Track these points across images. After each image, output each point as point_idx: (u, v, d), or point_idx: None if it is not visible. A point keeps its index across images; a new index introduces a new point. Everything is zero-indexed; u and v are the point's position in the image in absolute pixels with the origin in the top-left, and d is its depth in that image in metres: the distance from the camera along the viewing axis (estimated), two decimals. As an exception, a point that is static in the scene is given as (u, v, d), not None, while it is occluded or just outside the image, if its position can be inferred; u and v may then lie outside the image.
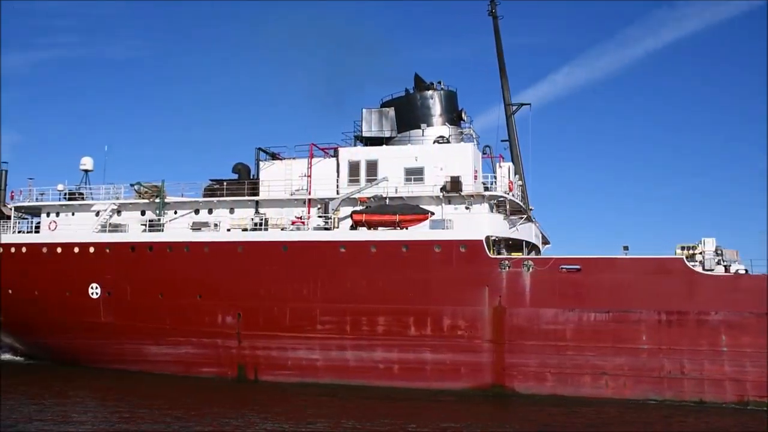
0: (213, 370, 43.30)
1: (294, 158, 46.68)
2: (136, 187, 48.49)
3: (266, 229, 44.24)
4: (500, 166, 44.36)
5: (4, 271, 48.54)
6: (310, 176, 45.34)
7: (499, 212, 42.99)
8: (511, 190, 43.60)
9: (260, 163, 47.03)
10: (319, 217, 43.62)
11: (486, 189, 43.13)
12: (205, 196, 47.69)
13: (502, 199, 42.98)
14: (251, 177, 49.25)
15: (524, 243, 43.60)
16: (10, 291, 48.48)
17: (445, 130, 46.62)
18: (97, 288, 45.94)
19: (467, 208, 42.52)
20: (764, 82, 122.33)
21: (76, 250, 46.70)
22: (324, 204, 43.48)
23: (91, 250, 46.35)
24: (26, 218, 54.84)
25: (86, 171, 53.33)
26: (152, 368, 44.82)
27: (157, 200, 47.16)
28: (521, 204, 44.53)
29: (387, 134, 47.28)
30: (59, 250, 47.13)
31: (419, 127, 46.87)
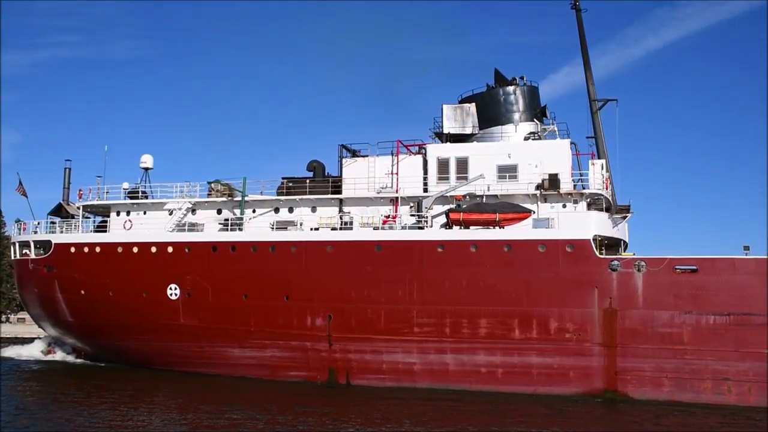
0: (301, 374, 41.04)
1: (377, 155, 44.53)
2: (213, 184, 46.24)
3: (351, 228, 42.14)
4: (593, 163, 42.15)
5: (77, 271, 46.29)
6: (397, 174, 43.13)
7: (592, 210, 40.86)
8: (607, 187, 41.50)
9: (343, 160, 44.75)
10: (411, 215, 41.40)
11: (575, 187, 41.14)
12: (279, 194, 45.58)
13: (598, 197, 40.94)
14: (326, 174, 47.13)
15: (622, 242, 41.48)
16: (82, 291, 46.18)
17: (531, 127, 44.55)
18: (176, 289, 43.64)
19: (564, 206, 40.44)
20: (764, 82, 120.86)
21: (154, 249, 44.38)
22: (417, 202, 41.25)
23: (170, 249, 44.02)
24: (89, 217, 52.65)
25: (146, 169, 51.09)
26: (234, 372, 42.57)
27: (237, 198, 44.96)
28: (611, 201, 42.46)
29: (469, 131, 45.12)
30: (135, 249, 44.80)
31: (502, 123, 44.78)
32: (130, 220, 46.73)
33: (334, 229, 41.81)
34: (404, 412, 33.31)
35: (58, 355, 53.54)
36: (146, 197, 48.57)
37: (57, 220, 52.45)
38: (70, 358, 52.42)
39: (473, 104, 45.62)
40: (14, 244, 51.85)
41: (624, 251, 42.76)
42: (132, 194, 48.90)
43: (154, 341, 44.64)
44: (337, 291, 40.24)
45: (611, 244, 41.12)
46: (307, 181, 44.78)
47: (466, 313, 38.12)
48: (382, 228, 41.05)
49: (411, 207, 41.54)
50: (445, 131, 45.10)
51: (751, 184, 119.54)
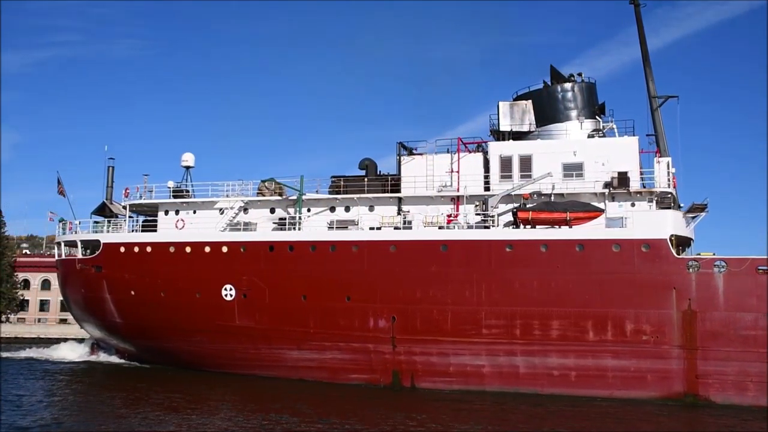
0: (363, 377, 39.48)
1: (435, 153, 43.04)
2: (266, 183, 44.72)
3: (410, 227, 40.67)
4: (658, 161, 40.63)
5: (127, 271, 44.78)
6: (458, 172, 41.61)
7: (660, 209, 39.36)
8: (675, 185, 40.00)
9: (401, 158, 43.21)
10: (477, 214, 39.88)
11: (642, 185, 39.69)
12: (332, 193, 44.11)
13: (666, 195, 39.46)
14: (377, 173, 45.65)
15: (692, 241, 39.97)
16: (132, 292, 44.66)
17: (591, 124, 43.03)
18: (231, 289, 42.11)
19: (633, 205, 38.93)
20: (764, 81, 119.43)
21: (208, 249, 42.83)
22: (482, 201, 39.74)
23: (224, 249, 42.47)
24: (131, 216, 51.14)
25: (187, 167, 49.66)
26: (291, 374, 41.00)
27: (293, 197, 43.45)
28: (674, 199, 41.00)
29: (526, 128, 43.63)
30: (188, 249, 43.25)
31: (559, 121, 43.28)
32: (182, 220, 45.19)
33: (396, 228, 40.25)
34: (478, 416, 31.87)
35: (101, 357, 52.11)
36: (190, 196, 47.13)
37: (100, 219, 51.10)
38: (114, 359, 50.95)
39: (530, 101, 44.18)
40: (59, 243, 50.38)
41: (691, 251, 41.33)
42: (176, 193, 47.44)
43: (207, 343, 43.09)
44: (401, 292, 38.69)
45: (679, 243, 39.60)
46: (365, 179, 43.25)
47: (537, 314, 36.58)
48: (447, 227, 39.51)
49: (476, 206, 39.99)
50: (502, 129, 43.61)
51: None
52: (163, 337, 44.37)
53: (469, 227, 39.42)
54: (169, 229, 45.59)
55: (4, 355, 55.13)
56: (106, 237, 46.18)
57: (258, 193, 45.72)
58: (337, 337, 39.75)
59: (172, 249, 43.66)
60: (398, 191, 42.44)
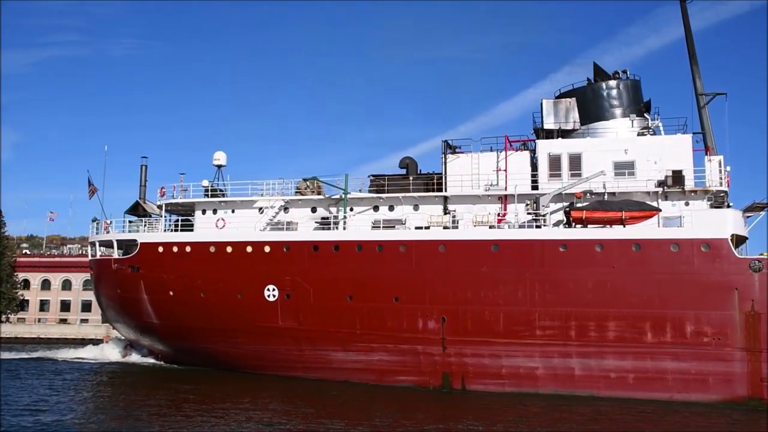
0: (412, 379, 38.40)
1: (480, 151, 41.98)
2: (308, 182, 43.66)
3: (456, 227, 39.63)
4: (710, 159, 39.58)
5: (165, 271, 43.68)
6: (505, 170, 40.56)
7: (712, 207, 38.33)
8: (728, 184, 38.95)
9: (446, 157, 42.12)
10: (528, 213, 38.84)
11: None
12: (373, 192, 43.06)
13: (721, 194, 38.43)
14: (418, 172, 44.61)
15: (747, 240, 38.91)
16: (171, 293, 43.57)
17: (638, 122, 41.96)
18: (274, 290, 41.01)
19: (687, 204, 37.91)
20: (764, 80, 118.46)
21: (249, 249, 41.72)
22: (533, 200, 38.68)
23: (267, 249, 41.37)
24: (164, 216, 50.08)
25: (219, 166, 48.61)
26: (336, 376, 39.91)
27: (335, 196, 42.39)
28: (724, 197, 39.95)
29: (570, 126, 42.57)
30: (229, 249, 42.14)
31: (605, 119, 42.23)
32: (222, 219, 44.11)
33: (445, 227, 39.19)
34: (542, 419, 30.81)
35: (133, 358, 51.03)
36: (224, 195, 46.09)
37: (134, 218, 50.06)
38: (147, 360, 49.86)
39: (573, 99, 43.13)
40: (93, 243, 49.28)
41: (746, 250, 40.26)
42: (210, 192, 46.36)
43: (248, 344, 41.99)
44: (451, 292, 37.63)
45: (737, 243, 38.55)
46: (410, 178, 42.20)
47: (593, 315, 35.52)
48: (498, 227, 38.46)
49: (527, 205, 38.94)
50: (546, 127, 42.54)
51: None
52: (202, 337, 43.27)
53: (520, 226, 38.37)
54: (207, 229, 44.52)
55: (39, 355, 54.17)
56: (144, 237, 45.09)
57: (297, 192, 44.69)
58: (385, 338, 38.68)
59: (212, 249, 42.55)
60: (441, 190, 41.45)
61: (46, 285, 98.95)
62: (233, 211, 44.73)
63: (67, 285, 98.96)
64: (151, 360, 49.25)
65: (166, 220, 48.74)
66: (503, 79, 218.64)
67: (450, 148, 42.81)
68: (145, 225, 47.03)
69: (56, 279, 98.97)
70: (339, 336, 39.56)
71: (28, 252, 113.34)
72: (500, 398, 35.32)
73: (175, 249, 43.55)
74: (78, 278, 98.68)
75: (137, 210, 50.84)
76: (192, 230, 45.70)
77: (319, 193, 44.02)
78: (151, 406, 32.14)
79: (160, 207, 47.62)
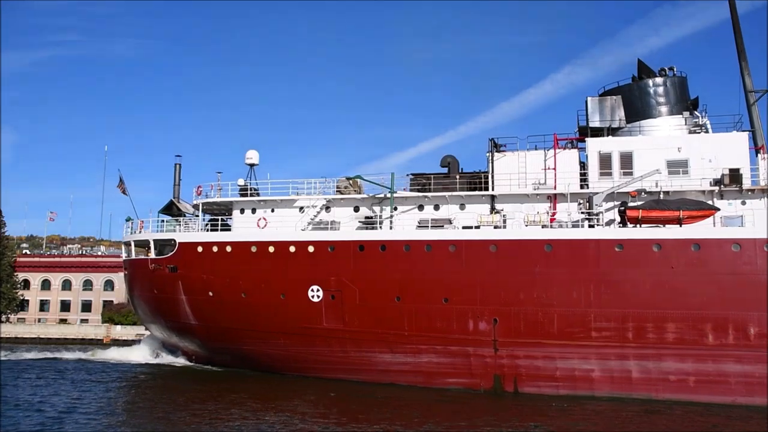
0: (462, 381, 37.37)
1: (527, 150, 40.96)
2: (351, 181, 42.67)
3: (506, 227, 38.63)
4: (763, 157, 38.58)
5: (205, 271, 42.67)
6: (554, 169, 39.54)
7: None
8: (785, 183, 37.90)
9: (489, 155, 41.08)
10: (581, 212, 37.83)
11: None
12: (412, 190, 42.07)
13: (776, 193, 37.39)
14: (459, 170, 43.58)
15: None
16: (210, 293, 42.57)
17: (685, 120, 40.93)
18: (318, 290, 40.00)
19: (743, 203, 36.89)
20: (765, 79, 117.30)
21: (293, 249, 40.71)
22: (586, 198, 37.67)
23: (311, 249, 40.36)
24: (197, 215, 49.13)
25: (252, 165, 47.66)
26: (382, 378, 38.87)
27: (380, 195, 41.40)
28: None
29: (616, 124, 41.54)
30: (272, 249, 41.13)
31: (651, 116, 41.21)
32: (264, 218, 43.10)
33: (496, 227, 38.17)
34: (598, 423, 29.81)
35: (167, 359, 50.02)
36: (257, 194, 45.12)
37: (168, 218, 49.09)
38: (180, 362, 48.84)
39: (619, 97, 42.10)
40: (128, 243, 48.25)
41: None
42: (243, 191, 45.42)
43: (291, 346, 40.98)
44: (502, 293, 36.60)
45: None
46: (456, 177, 41.21)
47: (651, 316, 34.47)
48: (551, 226, 37.44)
49: (579, 204, 37.93)
50: (591, 125, 41.51)
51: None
52: (242, 339, 42.25)
53: (574, 226, 37.38)
54: (246, 228, 43.51)
55: (67, 356, 53.26)
56: (182, 236, 44.08)
57: (336, 191, 43.71)
58: (434, 339, 37.67)
59: (254, 248, 41.54)
60: (486, 189, 40.47)
61: (46, 285, 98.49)
62: (273, 211, 43.75)
63: (67, 285, 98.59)
64: (182, 361, 48.30)
65: (196, 219, 47.87)
66: (503, 78, 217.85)
67: (495, 146, 41.79)
68: (181, 224, 46.04)
69: (56, 279, 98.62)
70: (386, 337, 38.54)
71: (28, 252, 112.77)
72: (557, 401, 34.29)
73: (215, 249, 42.55)
74: (78, 278, 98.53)
75: (171, 209, 49.91)
76: (228, 230, 44.80)
77: (358, 192, 43.08)
78: (196, 407, 31.33)
79: (196, 206, 46.66)
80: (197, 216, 48.68)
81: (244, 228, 43.75)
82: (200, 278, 42.86)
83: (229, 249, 42.16)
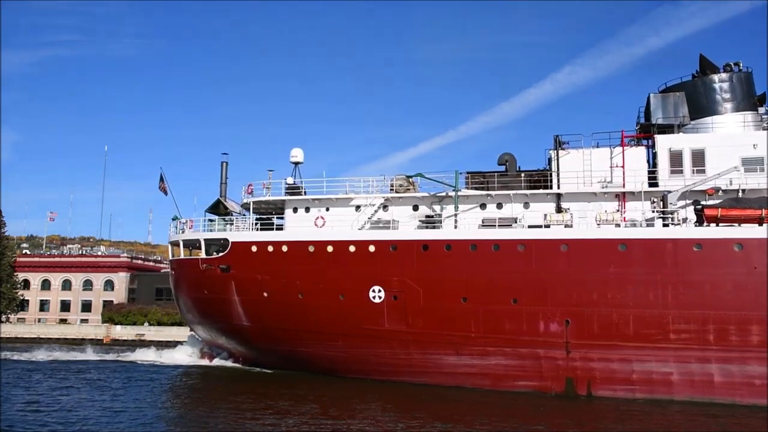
0: (531, 384, 36.10)
1: (592, 147, 39.71)
2: (411, 179, 41.44)
3: (571, 226, 37.37)
4: (837, 156, 37.32)
5: (260, 271, 41.41)
6: (623, 167, 38.29)
7: None
8: None
9: (551, 152, 39.82)
10: (653, 211, 36.57)
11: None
12: (474, 189, 40.85)
13: None
14: (517, 168, 42.32)
15: None
16: (265, 294, 41.30)
17: (752, 116, 39.72)
18: (380, 291, 38.74)
19: None
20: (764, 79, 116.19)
21: (352, 248, 39.45)
22: (661, 197, 36.41)
23: (372, 248, 39.09)
24: (244, 214, 47.94)
25: (296, 163, 46.47)
26: (447, 381, 37.58)
27: (440, 193, 40.16)
28: None
29: (679, 121, 40.28)
30: (330, 248, 39.86)
31: (716, 113, 39.95)
32: (322, 217, 41.86)
33: (566, 226, 36.91)
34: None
35: (215, 361, 48.77)
36: (304, 192, 43.90)
37: (215, 217, 47.88)
38: (228, 363, 47.61)
39: (682, 93, 40.85)
40: (177, 243, 46.92)
41: None
42: (291, 190, 44.21)
43: (350, 348, 39.70)
44: (574, 293, 35.33)
45: None
46: (523, 174, 39.97)
47: (734, 319, 33.18)
48: (624, 225, 36.18)
49: (653, 203, 36.66)
50: (654, 122, 40.26)
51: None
52: (298, 340, 40.98)
53: (648, 225, 36.13)
54: (300, 227, 42.24)
55: (108, 357, 52.10)
56: (236, 236, 42.82)
57: (391, 189, 42.46)
58: (502, 341, 36.41)
59: (311, 248, 40.29)
60: (550, 187, 39.25)
61: (46, 285, 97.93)
62: (327, 209, 42.51)
63: (67, 285, 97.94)
64: (229, 363, 47.09)
65: (245, 218, 46.67)
66: (503, 78, 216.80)
67: (558, 144, 40.52)
68: (234, 224, 44.85)
69: (56, 279, 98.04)
70: (451, 339, 37.28)
71: (28, 252, 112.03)
72: (636, 405, 33.04)
73: (270, 248, 41.28)
74: (78, 278, 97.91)
75: (218, 208, 48.68)
76: (278, 229, 43.66)
77: (414, 191, 41.86)
78: (263, 409, 30.14)
79: (246, 205, 45.40)
80: (243, 215, 47.59)
81: (298, 227, 42.50)
82: (254, 279, 41.61)
83: (285, 249, 40.90)
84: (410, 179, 41.30)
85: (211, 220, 46.88)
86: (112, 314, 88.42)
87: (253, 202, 44.48)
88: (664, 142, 38.08)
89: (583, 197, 38.31)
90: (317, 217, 41.79)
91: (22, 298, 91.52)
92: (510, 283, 36.31)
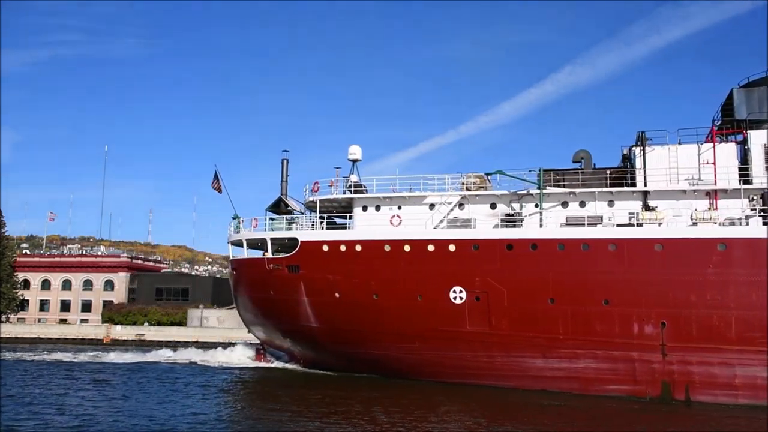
0: (624, 388, 34.50)
1: (678, 143, 38.11)
2: (488, 176, 39.92)
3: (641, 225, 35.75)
4: None
5: (331, 271, 39.90)
6: (714, 163, 36.65)
7: None
8: None
9: (644, 149, 38.17)
10: (752, 209, 34.98)
11: None
12: (557, 186, 39.23)
13: None
14: (593, 165, 40.75)
15: None
16: (337, 294, 39.80)
17: None
18: (461, 292, 37.20)
19: None
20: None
21: (431, 248, 37.92)
22: (761, 195, 34.83)
23: (452, 248, 37.56)
24: (302, 213, 46.48)
25: (354, 161, 44.98)
26: (532, 384, 36.00)
27: (521, 191, 38.61)
28: None
29: (764, 116, 38.65)
30: (407, 248, 38.33)
31: (802, 108, 38.30)
32: (398, 216, 40.28)
33: (660, 224, 35.34)
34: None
35: (274, 363, 47.34)
36: (366, 191, 42.40)
37: (275, 216, 46.44)
38: (288, 365, 46.15)
39: (766, 87, 39.24)
40: (240, 242, 45.37)
41: None
42: (356, 188, 42.70)
43: (427, 350, 38.16)
44: (670, 294, 33.73)
45: None
46: (608, 171, 38.39)
47: None
48: (722, 224, 34.60)
49: (751, 200, 35.08)
50: (738, 117, 38.60)
51: None
52: (371, 342, 39.41)
53: (747, 223, 34.55)
54: (370, 226, 40.65)
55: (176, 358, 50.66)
56: (305, 235, 41.30)
57: (463, 187, 40.88)
58: (593, 344, 34.82)
59: (387, 248, 38.77)
60: (633, 185, 37.67)
61: (46, 285, 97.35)
62: (400, 208, 40.95)
63: (67, 285, 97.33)
64: (289, 365, 45.69)
65: (306, 217, 45.23)
66: (504, 78, 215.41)
67: (640, 140, 38.87)
68: (290, 223, 43.42)
69: (56, 279, 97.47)
70: (538, 342, 35.73)
71: (28, 252, 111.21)
72: (739, 411, 31.47)
73: (342, 248, 39.76)
74: (78, 278, 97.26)
75: (279, 207, 47.22)
76: (341, 228, 42.21)
77: (482, 187, 40.34)
78: (341, 410, 28.77)
79: (311, 204, 43.86)
80: (302, 213, 46.17)
81: (368, 226, 40.96)
82: (325, 279, 40.11)
83: (359, 248, 39.38)
84: (488, 176, 39.73)
85: (272, 219, 45.48)
86: (112, 314, 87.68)
87: (320, 201, 42.94)
88: (757, 138, 36.47)
89: (671, 195, 36.71)
90: (393, 216, 40.20)
91: (22, 298, 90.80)
92: (601, 283, 34.76)
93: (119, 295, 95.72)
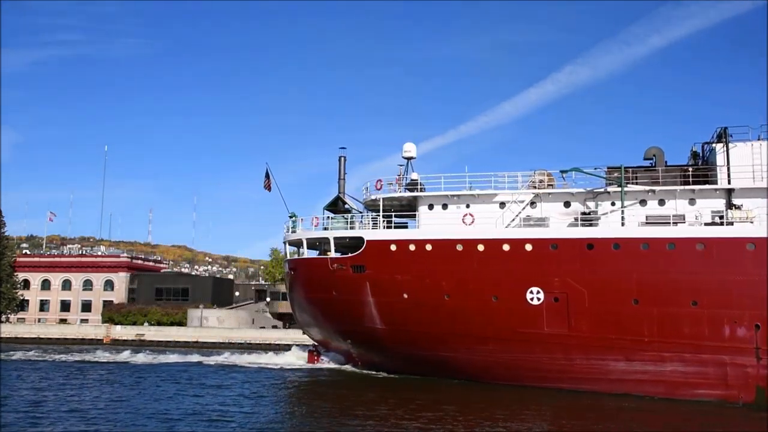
0: (714, 393, 33.06)
1: (760, 140, 36.66)
2: (566, 175, 38.46)
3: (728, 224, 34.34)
4: None
5: (399, 272, 38.55)
6: (810, 160, 35.26)
7: None
8: None
9: (728, 145, 36.76)
10: None
11: None
12: (634, 184, 37.79)
13: None
14: (665, 162, 39.32)
15: None
16: (405, 295, 38.44)
17: None
18: (539, 293, 35.83)
19: None
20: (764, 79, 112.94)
21: (506, 247, 36.56)
22: None
23: (528, 247, 36.21)
24: (360, 212, 45.19)
25: (409, 159, 43.69)
26: (615, 388, 34.49)
27: (598, 189, 37.23)
28: None
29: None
30: (481, 247, 37.00)
31: None
32: (471, 214, 38.90)
33: (751, 223, 33.93)
34: None
35: (330, 364, 46.00)
36: (424, 189, 41.05)
37: (332, 214, 45.17)
38: (346, 367, 44.79)
39: None
40: (300, 241, 43.96)
41: None
42: (412, 186, 41.38)
43: (501, 352, 36.77)
44: (765, 296, 32.36)
45: None
46: (689, 169, 36.98)
47: None
48: (820, 222, 33.20)
49: None
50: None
51: None
52: (441, 344, 38.02)
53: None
54: (437, 225, 39.20)
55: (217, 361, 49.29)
56: (371, 234, 39.96)
57: (531, 185, 39.49)
58: (680, 347, 33.41)
59: (459, 247, 37.42)
60: (713, 182, 36.25)
61: (46, 285, 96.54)
62: (468, 206, 39.57)
63: (67, 285, 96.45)
64: (347, 367, 44.35)
65: (362, 216, 43.94)
66: (504, 78, 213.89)
67: (719, 137, 37.43)
68: (347, 222, 42.13)
69: (56, 279, 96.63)
70: (621, 344, 34.32)
71: (28, 252, 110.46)
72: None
73: (411, 247, 38.42)
74: (78, 278, 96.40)
75: (337, 205, 45.96)
76: (400, 226, 40.94)
77: (543, 186, 38.95)
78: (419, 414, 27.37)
79: (373, 202, 42.48)
80: (360, 212, 44.91)
81: (436, 225, 39.58)
82: (393, 279, 38.75)
83: (429, 247, 38.04)
84: (563, 173, 38.31)
85: (329, 218, 44.21)
86: (112, 314, 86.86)
87: (384, 199, 41.59)
88: None
89: (757, 193, 35.28)
90: (465, 215, 38.81)
91: (22, 298, 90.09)
92: (688, 284, 33.36)
93: (119, 295, 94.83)
